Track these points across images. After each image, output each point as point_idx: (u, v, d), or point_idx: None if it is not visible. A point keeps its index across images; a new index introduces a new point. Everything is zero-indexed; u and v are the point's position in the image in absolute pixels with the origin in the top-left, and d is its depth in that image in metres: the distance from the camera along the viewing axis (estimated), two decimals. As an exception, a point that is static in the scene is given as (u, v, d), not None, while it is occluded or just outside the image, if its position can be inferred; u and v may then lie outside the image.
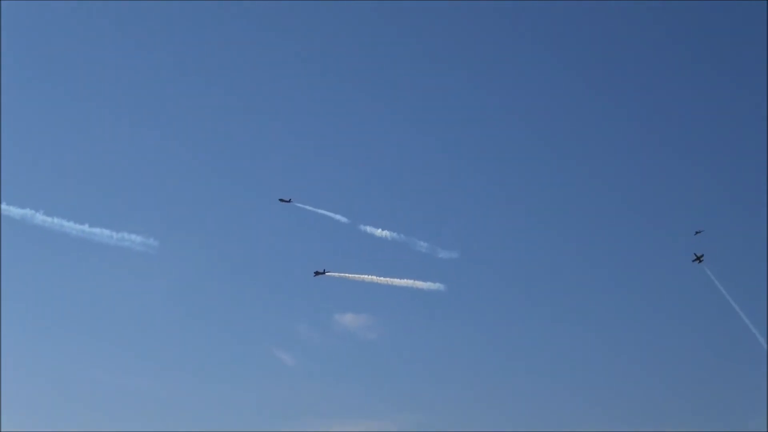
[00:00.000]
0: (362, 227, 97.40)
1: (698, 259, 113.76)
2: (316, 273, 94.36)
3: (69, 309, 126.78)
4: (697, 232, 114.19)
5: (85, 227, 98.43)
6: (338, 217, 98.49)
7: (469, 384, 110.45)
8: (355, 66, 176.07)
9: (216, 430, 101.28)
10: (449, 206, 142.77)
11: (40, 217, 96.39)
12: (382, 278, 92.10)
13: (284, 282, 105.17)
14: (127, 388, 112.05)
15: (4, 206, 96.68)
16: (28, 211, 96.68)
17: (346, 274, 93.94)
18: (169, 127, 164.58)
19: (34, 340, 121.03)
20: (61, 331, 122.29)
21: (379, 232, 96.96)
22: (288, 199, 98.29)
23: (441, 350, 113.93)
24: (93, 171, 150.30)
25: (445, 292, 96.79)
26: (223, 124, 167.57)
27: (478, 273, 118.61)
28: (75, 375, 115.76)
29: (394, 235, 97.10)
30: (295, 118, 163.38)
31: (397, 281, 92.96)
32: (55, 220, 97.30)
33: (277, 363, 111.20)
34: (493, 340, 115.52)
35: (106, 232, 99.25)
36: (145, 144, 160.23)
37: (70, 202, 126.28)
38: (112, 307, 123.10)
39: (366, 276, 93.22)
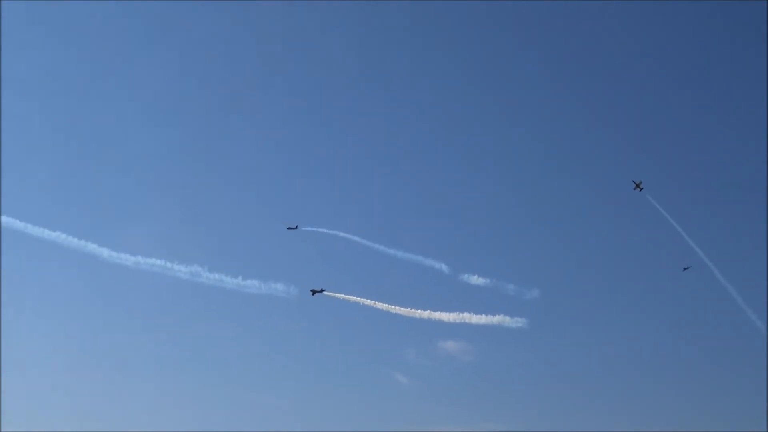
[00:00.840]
0: (462, 276, 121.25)
1: (638, 186, 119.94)
2: (313, 292, 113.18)
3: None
4: (685, 269, 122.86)
5: (239, 280, 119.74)
6: (441, 265, 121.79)
7: (548, 398, 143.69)
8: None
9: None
10: (530, 250, 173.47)
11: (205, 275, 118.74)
12: (472, 315, 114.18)
13: (398, 316, 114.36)
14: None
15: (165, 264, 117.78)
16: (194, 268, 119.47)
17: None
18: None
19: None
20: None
21: (475, 278, 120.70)
22: (294, 226, 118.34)
23: (524, 371, 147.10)
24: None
25: (527, 326, 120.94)
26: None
27: (556, 310, 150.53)
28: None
29: (486, 280, 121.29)
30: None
31: (485, 318, 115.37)
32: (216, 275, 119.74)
33: (394, 381, 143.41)
34: (568, 364, 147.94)
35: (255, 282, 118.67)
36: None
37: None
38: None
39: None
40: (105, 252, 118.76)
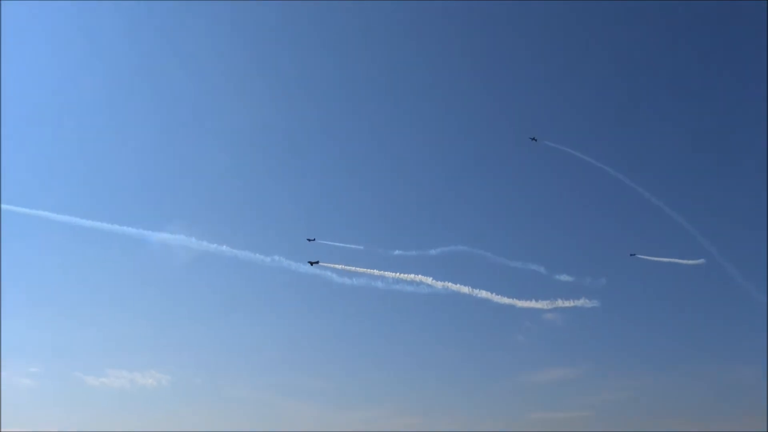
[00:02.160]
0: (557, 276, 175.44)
1: (534, 139, 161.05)
2: (311, 263, 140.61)
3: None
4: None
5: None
6: (535, 267, 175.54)
7: (611, 348, 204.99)
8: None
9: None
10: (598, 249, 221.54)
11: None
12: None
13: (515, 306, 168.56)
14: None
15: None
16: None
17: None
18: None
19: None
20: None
21: (564, 277, 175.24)
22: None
23: (597, 333, 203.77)
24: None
25: (599, 305, 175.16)
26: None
27: (619, 292, 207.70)
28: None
29: (571, 278, 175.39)
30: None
31: (571, 303, 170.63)
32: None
33: (516, 340, 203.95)
34: (625, 328, 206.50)
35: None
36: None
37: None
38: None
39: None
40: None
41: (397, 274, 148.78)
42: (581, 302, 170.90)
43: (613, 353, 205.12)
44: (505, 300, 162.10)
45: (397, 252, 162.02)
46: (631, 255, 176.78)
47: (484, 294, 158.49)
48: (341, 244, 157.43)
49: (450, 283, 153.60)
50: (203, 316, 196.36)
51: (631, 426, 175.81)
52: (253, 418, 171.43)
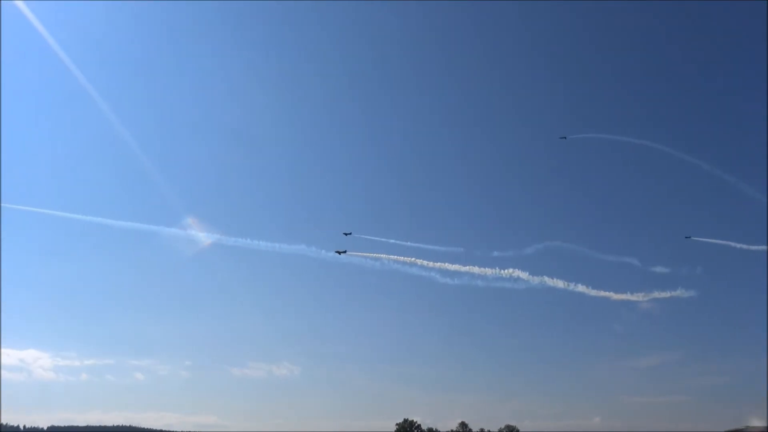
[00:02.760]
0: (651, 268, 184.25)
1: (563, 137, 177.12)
2: (338, 252, 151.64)
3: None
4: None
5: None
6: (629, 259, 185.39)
7: (707, 332, 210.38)
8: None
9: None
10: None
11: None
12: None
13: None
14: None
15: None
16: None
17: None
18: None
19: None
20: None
21: (659, 269, 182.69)
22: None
23: (693, 318, 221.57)
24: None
25: (696, 294, 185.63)
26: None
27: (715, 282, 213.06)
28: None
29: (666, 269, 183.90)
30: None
31: (669, 294, 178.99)
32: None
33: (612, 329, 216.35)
34: (719, 313, 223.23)
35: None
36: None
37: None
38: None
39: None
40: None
41: (496, 270, 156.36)
42: (678, 293, 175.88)
43: (710, 340, 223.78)
44: (601, 293, 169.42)
45: (495, 253, 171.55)
46: (686, 238, 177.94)
47: (580, 288, 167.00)
48: (439, 248, 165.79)
49: (546, 278, 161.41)
50: (324, 312, 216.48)
51: (727, 411, 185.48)
52: (373, 404, 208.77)
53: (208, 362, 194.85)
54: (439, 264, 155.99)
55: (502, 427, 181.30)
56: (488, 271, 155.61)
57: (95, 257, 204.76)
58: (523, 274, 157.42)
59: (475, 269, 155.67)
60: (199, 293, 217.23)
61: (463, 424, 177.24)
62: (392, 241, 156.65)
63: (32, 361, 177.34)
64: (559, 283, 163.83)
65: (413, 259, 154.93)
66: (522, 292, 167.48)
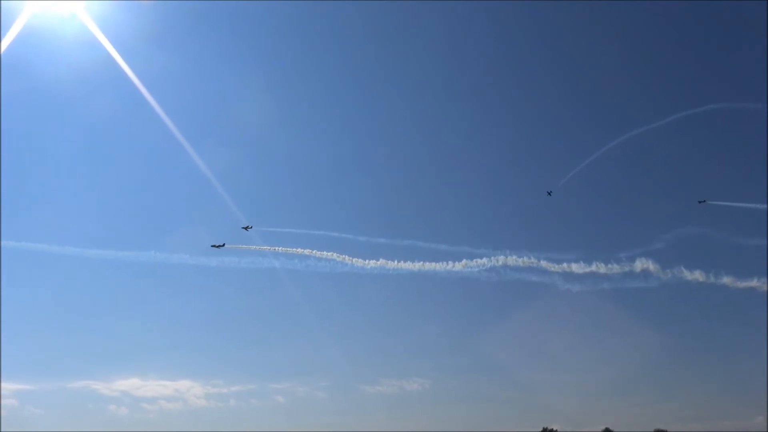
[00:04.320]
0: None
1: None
2: (214, 245, 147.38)
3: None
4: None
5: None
6: None
7: None
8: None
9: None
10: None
11: None
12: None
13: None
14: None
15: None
16: None
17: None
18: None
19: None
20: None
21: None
22: (250, 227, 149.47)
23: None
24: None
25: None
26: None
27: None
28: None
29: None
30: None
31: None
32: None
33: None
34: None
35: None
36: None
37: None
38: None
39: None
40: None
41: (621, 267, 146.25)
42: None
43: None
44: (752, 283, 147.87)
45: (622, 254, 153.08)
46: (699, 202, 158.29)
47: (725, 280, 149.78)
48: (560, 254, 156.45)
49: (684, 269, 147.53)
50: (452, 325, 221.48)
51: None
52: (508, 413, 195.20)
53: (342, 381, 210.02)
54: (563, 266, 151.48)
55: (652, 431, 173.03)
56: (615, 268, 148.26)
57: (230, 290, 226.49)
58: (654, 267, 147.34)
59: (602, 267, 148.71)
60: (325, 315, 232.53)
61: (608, 430, 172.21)
62: (508, 252, 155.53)
63: (186, 390, 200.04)
64: (699, 276, 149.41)
65: (536, 261, 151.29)
66: (655, 290, 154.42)
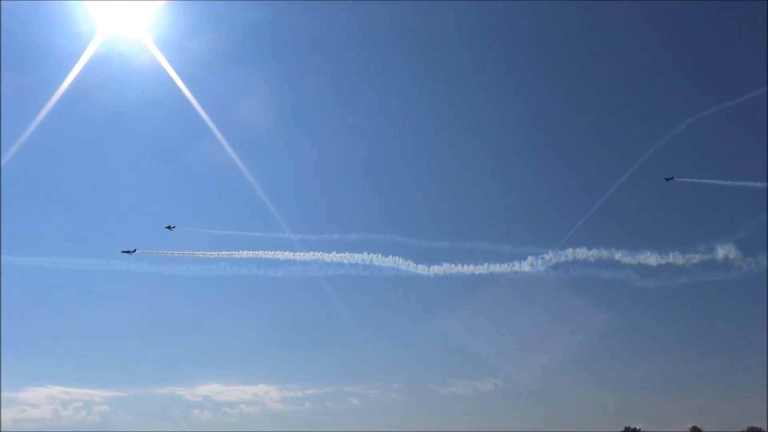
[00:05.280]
0: None
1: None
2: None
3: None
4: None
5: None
6: None
7: None
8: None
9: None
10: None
11: None
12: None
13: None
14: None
15: None
16: None
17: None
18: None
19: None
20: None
21: None
22: (173, 226, 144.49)
23: None
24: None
25: None
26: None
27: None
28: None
29: None
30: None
31: None
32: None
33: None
34: None
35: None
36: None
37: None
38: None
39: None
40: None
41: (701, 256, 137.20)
42: None
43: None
44: None
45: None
46: (667, 180, 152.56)
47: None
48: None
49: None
50: (520, 324, 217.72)
51: None
52: (586, 413, 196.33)
53: (414, 383, 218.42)
54: (638, 258, 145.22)
55: (745, 429, 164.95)
56: (694, 258, 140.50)
57: (302, 299, 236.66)
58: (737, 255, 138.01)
59: (679, 258, 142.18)
60: (396, 315, 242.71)
61: (696, 429, 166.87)
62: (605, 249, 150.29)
63: (263, 395, 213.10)
64: None
65: (604, 252, 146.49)
66: (737, 282, 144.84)
